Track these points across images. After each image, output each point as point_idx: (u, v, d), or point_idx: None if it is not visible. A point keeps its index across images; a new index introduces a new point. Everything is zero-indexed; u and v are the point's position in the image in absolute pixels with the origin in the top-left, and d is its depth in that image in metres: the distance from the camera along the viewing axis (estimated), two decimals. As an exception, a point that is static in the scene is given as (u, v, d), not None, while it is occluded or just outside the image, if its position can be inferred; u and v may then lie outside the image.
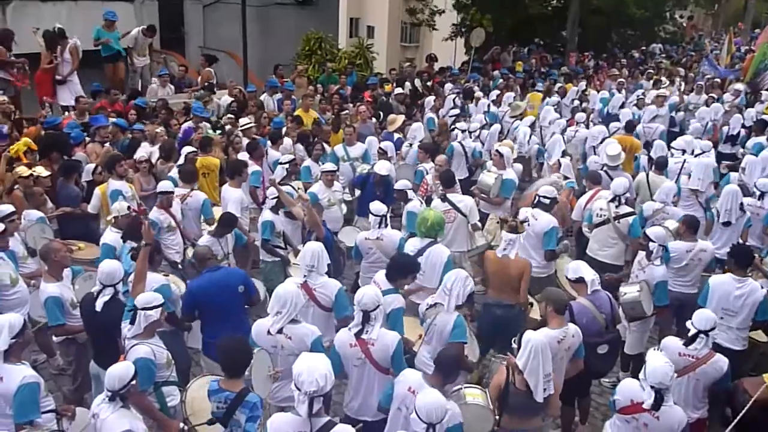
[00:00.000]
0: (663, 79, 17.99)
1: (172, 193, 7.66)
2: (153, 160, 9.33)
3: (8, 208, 6.72)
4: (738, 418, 5.04)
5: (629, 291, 6.50)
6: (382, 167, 8.82)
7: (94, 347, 5.70)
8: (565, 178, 9.46)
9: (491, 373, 5.32)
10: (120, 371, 4.30)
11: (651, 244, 6.70)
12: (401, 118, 11.90)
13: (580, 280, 6.00)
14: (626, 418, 4.66)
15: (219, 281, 5.88)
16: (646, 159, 10.61)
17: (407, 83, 15.46)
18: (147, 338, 4.96)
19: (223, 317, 5.78)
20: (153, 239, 5.96)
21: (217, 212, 8.05)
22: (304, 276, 5.73)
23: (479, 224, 8.05)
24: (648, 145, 11.38)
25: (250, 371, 4.70)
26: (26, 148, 8.74)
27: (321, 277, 5.77)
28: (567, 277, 6.27)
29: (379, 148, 10.04)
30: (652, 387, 4.48)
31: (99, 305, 5.42)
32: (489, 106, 13.70)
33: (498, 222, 8.53)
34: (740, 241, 8.10)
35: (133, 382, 4.33)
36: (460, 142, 10.84)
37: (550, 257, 7.36)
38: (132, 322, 4.94)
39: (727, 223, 8.12)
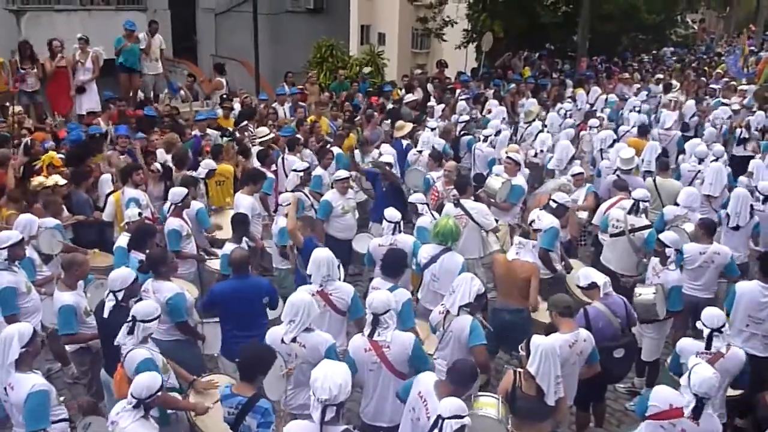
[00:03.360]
0: (674, 82, 17.86)
1: (187, 197, 7.68)
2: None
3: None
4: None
5: (644, 292, 6.50)
6: (386, 156, 9.22)
7: (105, 355, 5.73)
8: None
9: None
10: (148, 380, 4.30)
11: (667, 249, 6.67)
12: (409, 125, 11.88)
13: (593, 286, 5.99)
14: (662, 424, 4.58)
15: (246, 290, 5.93)
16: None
17: (419, 89, 15.50)
18: (143, 343, 5.00)
19: (243, 324, 5.83)
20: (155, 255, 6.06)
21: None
22: (321, 285, 5.76)
23: (499, 227, 8.05)
24: (664, 152, 11.35)
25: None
26: (49, 161, 8.82)
27: (335, 282, 5.81)
28: (578, 285, 6.25)
29: (379, 153, 10.32)
30: (695, 395, 4.40)
31: (106, 312, 5.48)
32: (506, 112, 13.69)
33: (508, 227, 8.55)
34: (752, 245, 8.07)
35: (159, 393, 4.35)
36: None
37: (543, 255, 7.20)
38: (130, 332, 4.96)
39: (736, 227, 8.00)
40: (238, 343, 5.33)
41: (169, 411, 5.04)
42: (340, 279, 6.28)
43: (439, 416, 3.98)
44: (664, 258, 6.72)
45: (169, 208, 7.62)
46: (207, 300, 6.07)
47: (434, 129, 11.71)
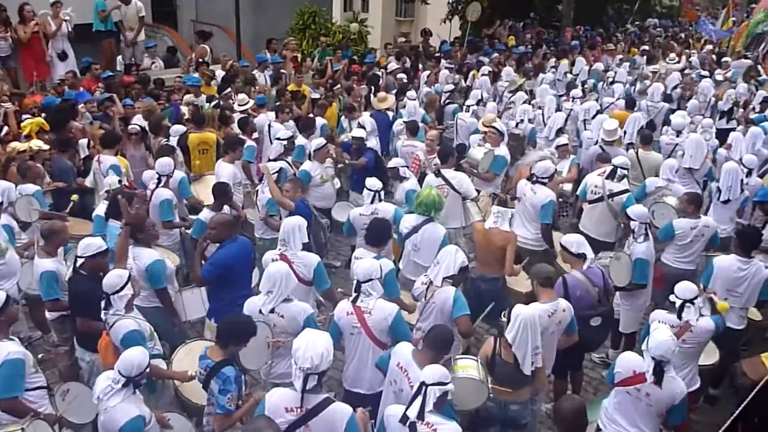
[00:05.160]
0: (672, 54, 17.77)
1: (171, 173, 7.65)
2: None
3: None
4: (745, 402, 5.04)
5: (603, 257, 6.63)
6: (356, 131, 9.24)
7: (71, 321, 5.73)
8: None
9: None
10: (137, 358, 4.26)
11: (632, 222, 6.68)
12: (392, 96, 11.79)
13: (581, 256, 6.00)
14: (627, 390, 4.70)
15: (242, 250, 5.99)
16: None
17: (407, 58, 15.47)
18: (127, 312, 4.98)
19: (243, 285, 5.89)
20: (133, 219, 5.89)
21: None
22: (279, 249, 5.80)
23: (480, 197, 8.07)
24: (651, 124, 11.39)
25: None
26: (38, 128, 8.68)
27: (299, 251, 5.81)
28: (567, 248, 6.10)
29: (359, 122, 10.30)
30: (653, 358, 4.54)
31: (66, 276, 5.46)
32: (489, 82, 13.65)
33: (489, 197, 8.58)
34: (738, 220, 8.13)
35: (148, 369, 4.35)
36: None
37: (545, 230, 7.34)
38: (107, 307, 4.92)
39: (726, 201, 8.02)
40: (239, 305, 5.30)
41: (154, 378, 5.05)
42: (326, 247, 6.28)
43: (422, 383, 4.02)
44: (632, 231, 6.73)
45: (158, 179, 7.51)
46: (215, 267, 5.86)
47: (414, 99, 11.70)
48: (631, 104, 11.93)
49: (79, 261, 5.42)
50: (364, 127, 10.03)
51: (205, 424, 4.65)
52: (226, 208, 7.21)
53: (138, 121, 9.66)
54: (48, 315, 6.15)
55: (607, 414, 4.88)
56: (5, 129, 8.84)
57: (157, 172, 7.54)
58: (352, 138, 9.13)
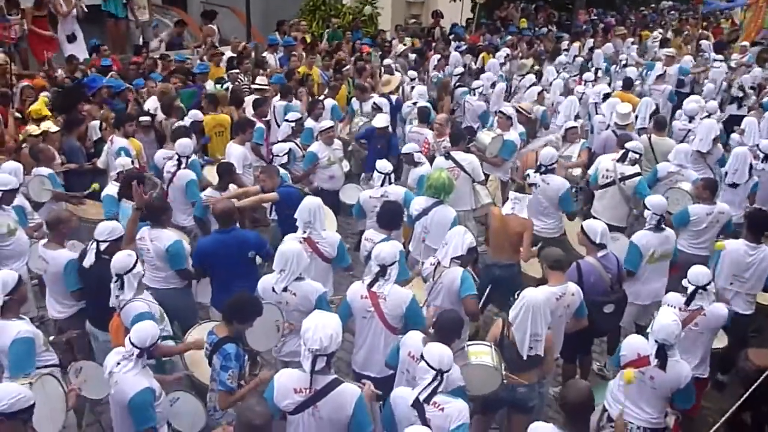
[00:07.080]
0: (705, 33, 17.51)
1: (191, 154, 7.64)
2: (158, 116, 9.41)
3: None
4: (750, 390, 5.03)
5: None
6: (380, 120, 8.96)
7: (87, 306, 5.71)
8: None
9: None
10: (150, 329, 4.31)
11: (646, 212, 6.53)
12: (396, 79, 11.71)
13: (601, 246, 5.94)
14: (633, 373, 4.71)
15: (227, 244, 5.83)
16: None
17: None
18: (138, 294, 4.99)
19: (230, 278, 5.77)
20: (144, 202, 5.90)
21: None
22: (305, 231, 5.78)
23: (489, 180, 8.06)
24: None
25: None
26: (47, 106, 8.72)
27: (322, 231, 5.84)
28: (590, 237, 5.98)
29: (374, 103, 10.20)
30: (656, 342, 4.55)
31: (87, 262, 5.43)
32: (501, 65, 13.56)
33: (498, 183, 8.55)
34: (747, 204, 8.04)
35: (157, 342, 4.40)
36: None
37: (572, 218, 7.38)
38: (122, 288, 4.92)
39: (734, 185, 7.93)
40: (228, 294, 5.31)
41: (164, 359, 5.08)
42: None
43: (440, 371, 4.05)
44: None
45: (178, 161, 7.47)
46: (195, 255, 5.99)
47: (422, 81, 11.66)
48: (627, 85, 11.87)
49: (103, 245, 5.41)
50: (381, 109, 9.96)
51: (209, 400, 4.70)
52: (232, 188, 7.20)
53: (152, 103, 9.66)
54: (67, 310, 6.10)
55: (613, 395, 4.91)
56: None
57: (177, 154, 7.49)
58: (377, 129, 8.88)
